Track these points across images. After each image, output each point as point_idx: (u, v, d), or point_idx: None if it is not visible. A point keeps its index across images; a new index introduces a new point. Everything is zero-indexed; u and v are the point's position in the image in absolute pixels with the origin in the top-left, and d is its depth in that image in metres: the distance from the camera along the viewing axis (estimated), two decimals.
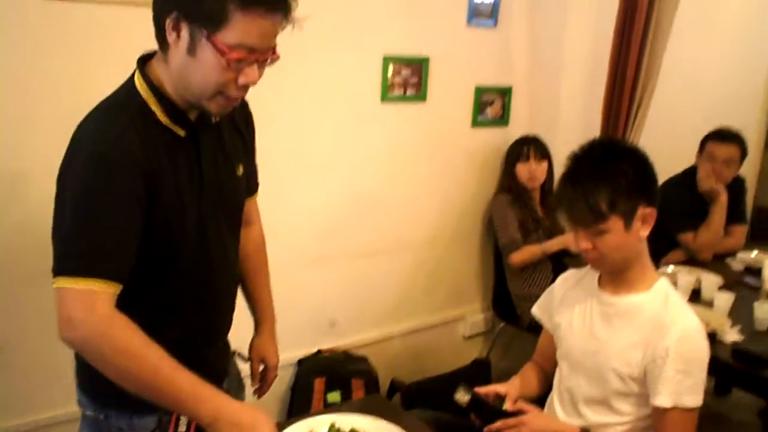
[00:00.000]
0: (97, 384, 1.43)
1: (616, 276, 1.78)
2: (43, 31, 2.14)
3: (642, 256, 1.77)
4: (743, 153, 3.36)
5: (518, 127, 3.50)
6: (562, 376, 1.91)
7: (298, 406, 2.92)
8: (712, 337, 2.35)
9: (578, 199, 1.68)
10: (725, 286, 2.81)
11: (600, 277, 1.85)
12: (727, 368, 2.29)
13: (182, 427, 1.38)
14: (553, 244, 3.22)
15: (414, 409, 2.42)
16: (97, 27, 2.22)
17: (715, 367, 2.24)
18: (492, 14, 3.22)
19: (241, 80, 1.32)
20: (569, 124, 3.68)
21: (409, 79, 3.01)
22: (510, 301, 3.38)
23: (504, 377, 1.97)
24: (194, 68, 1.31)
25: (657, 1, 3.11)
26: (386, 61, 2.92)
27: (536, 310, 2.05)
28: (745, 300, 2.70)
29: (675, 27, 3.21)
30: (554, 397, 1.93)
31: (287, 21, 1.32)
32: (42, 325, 2.12)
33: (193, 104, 1.39)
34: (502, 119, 3.45)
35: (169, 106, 1.39)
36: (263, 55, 1.32)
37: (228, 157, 1.56)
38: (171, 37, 1.30)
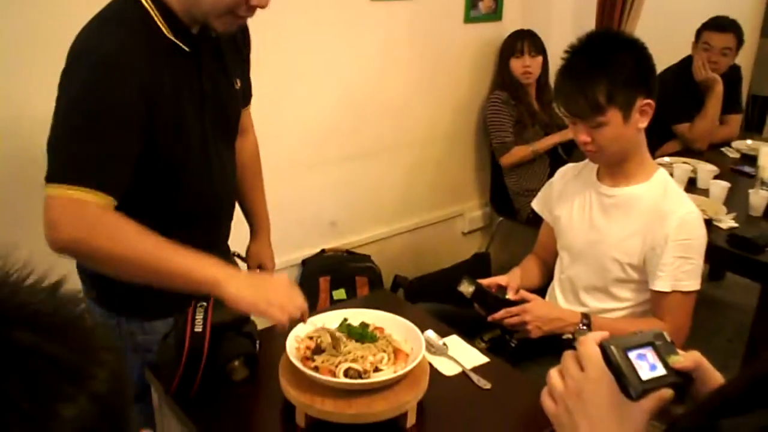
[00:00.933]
0: (104, 290, 1.46)
1: (614, 168, 1.80)
2: None
3: (640, 147, 1.77)
4: (739, 42, 3.32)
5: (512, 21, 3.43)
6: (563, 266, 1.95)
7: None
8: (708, 224, 2.38)
9: (576, 92, 1.68)
10: (720, 176, 2.84)
11: (598, 170, 1.86)
12: (724, 253, 2.34)
13: (199, 315, 1.38)
14: (543, 144, 3.22)
15: (418, 303, 2.47)
16: None
17: (711, 252, 2.29)
18: None
19: (254, 1, 1.33)
20: (564, 16, 3.63)
21: None
22: (507, 196, 3.41)
23: (504, 270, 2.01)
24: None
25: None
26: None
27: (536, 204, 2.08)
28: (741, 187, 2.75)
29: None
30: (555, 286, 1.98)
31: None
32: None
33: (198, 20, 1.38)
34: (495, 14, 3.37)
35: (173, 20, 1.37)
36: None
37: (227, 71, 1.56)
38: None
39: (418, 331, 1.47)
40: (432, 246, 3.54)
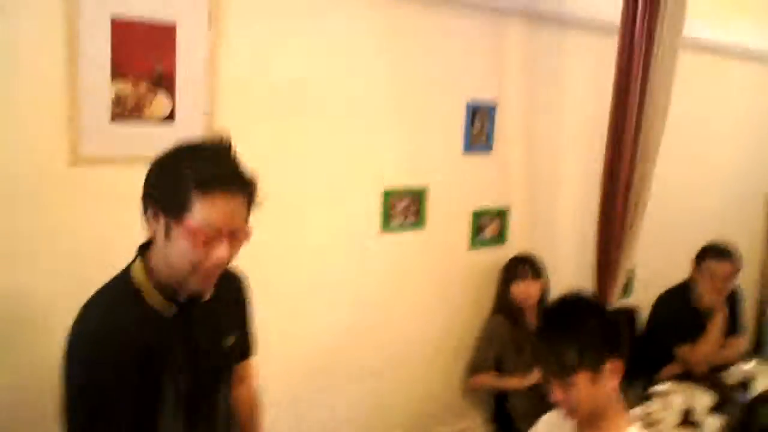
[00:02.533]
0: None
1: (589, 424, 1.89)
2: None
3: (614, 404, 1.86)
4: (739, 268, 3.47)
5: (516, 244, 3.64)
6: None
7: None
8: None
9: (548, 354, 1.80)
10: (719, 405, 2.89)
11: (578, 424, 1.95)
12: None
13: None
14: (508, 383, 3.33)
15: None
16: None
17: None
18: (487, 141, 3.40)
19: (213, 257, 1.47)
20: (567, 241, 3.83)
21: (409, 207, 3.17)
22: (510, 417, 3.44)
23: None
24: (171, 250, 1.47)
25: (646, 113, 3.23)
26: (386, 195, 3.09)
27: None
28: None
29: (668, 141, 3.36)
30: None
31: (253, 199, 1.50)
32: None
33: (180, 284, 1.53)
34: (500, 238, 3.59)
35: (161, 289, 1.54)
36: (231, 233, 1.48)
37: (217, 330, 1.70)
38: (152, 226, 1.49)
39: None
40: None
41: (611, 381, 1.80)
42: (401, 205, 3.15)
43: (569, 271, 3.84)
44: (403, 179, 3.15)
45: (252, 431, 1.99)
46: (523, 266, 3.42)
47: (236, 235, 1.49)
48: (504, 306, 3.44)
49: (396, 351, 3.33)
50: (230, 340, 1.74)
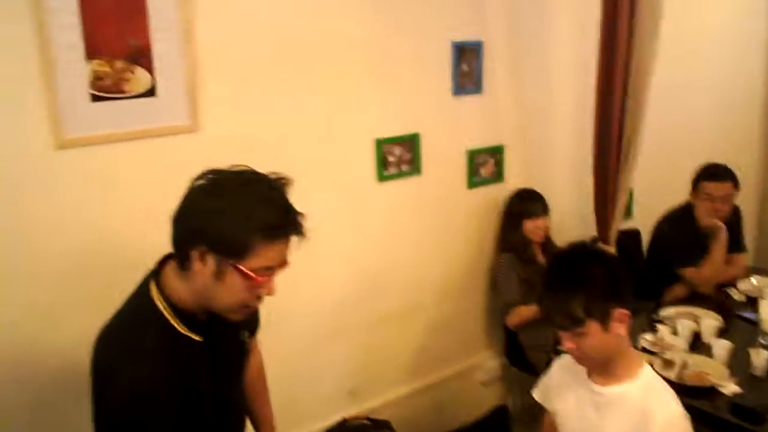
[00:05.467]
0: None
1: (602, 369, 1.91)
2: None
3: (624, 348, 1.89)
4: (736, 187, 3.46)
5: (514, 181, 3.63)
6: None
7: None
8: (712, 391, 2.47)
9: (556, 306, 1.82)
10: (725, 325, 2.93)
11: (588, 369, 1.97)
12: (727, 425, 2.37)
13: None
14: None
15: None
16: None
17: (714, 424, 2.36)
18: (476, 82, 3.34)
19: (263, 293, 1.52)
20: (563, 172, 3.81)
21: (402, 155, 3.15)
22: (522, 350, 3.49)
23: (523, 424, 2.07)
24: (220, 290, 1.47)
25: (636, 39, 3.17)
26: (379, 143, 3.06)
27: (536, 394, 2.18)
28: (746, 338, 2.82)
29: (661, 54, 3.28)
30: None
31: (301, 237, 1.51)
32: None
33: (219, 314, 1.55)
34: (497, 177, 3.57)
35: (184, 317, 1.54)
36: (281, 268, 1.51)
37: (235, 330, 1.72)
38: (197, 265, 1.46)
39: None
40: (451, 401, 3.62)
41: (620, 329, 1.82)
42: (395, 154, 3.12)
43: (568, 202, 3.84)
44: (395, 128, 3.12)
45: (262, 397, 2.07)
46: (536, 203, 3.42)
47: (281, 269, 1.53)
48: (513, 243, 3.45)
49: (401, 296, 3.35)
50: (245, 334, 1.79)
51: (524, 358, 3.50)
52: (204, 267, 1.46)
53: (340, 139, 2.97)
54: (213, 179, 1.49)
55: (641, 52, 3.21)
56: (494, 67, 3.42)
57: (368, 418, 3.26)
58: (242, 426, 1.90)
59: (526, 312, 3.33)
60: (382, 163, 3.09)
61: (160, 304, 1.52)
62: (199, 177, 1.51)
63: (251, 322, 1.84)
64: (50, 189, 2.27)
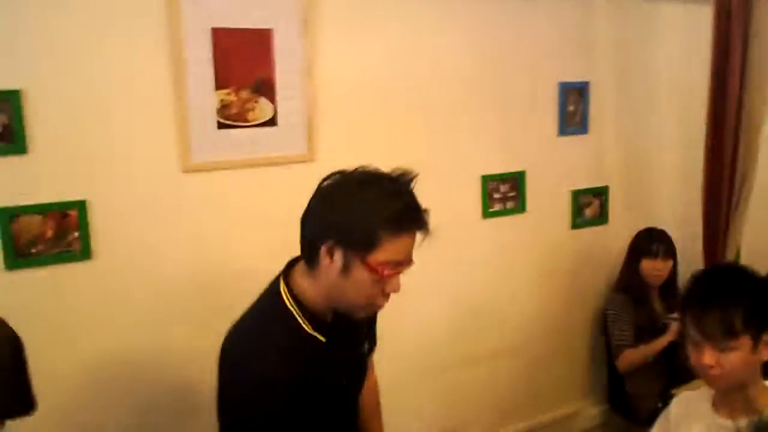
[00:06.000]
0: None
1: (731, 399, 1.83)
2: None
3: (758, 378, 1.80)
4: None
5: (618, 224, 3.58)
6: None
7: None
8: None
9: (711, 314, 1.73)
10: None
11: (714, 399, 1.89)
12: None
13: None
14: (656, 345, 3.15)
15: None
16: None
17: None
18: (582, 122, 3.35)
19: (389, 290, 1.53)
20: (670, 216, 3.73)
21: (507, 192, 3.17)
22: (625, 397, 3.39)
23: None
24: (347, 285, 1.50)
25: (749, 80, 3.09)
26: (485, 179, 3.09)
27: None
28: None
29: None
30: None
31: (425, 234, 1.52)
32: None
33: (340, 312, 1.58)
34: (601, 218, 3.53)
35: (311, 316, 1.57)
36: (407, 265, 1.53)
37: (358, 340, 1.75)
38: (325, 261, 1.49)
39: None
40: None
41: (765, 354, 1.75)
42: (500, 191, 3.14)
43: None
44: (501, 165, 3.15)
45: (376, 420, 2.05)
46: (657, 244, 3.29)
47: (407, 267, 1.55)
48: (629, 283, 3.35)
49: (502, 335, 3.33)
50: (365, 347, 1.81)
51: (629, 407, 3.39)
52: (332, 263, 1.48)
53: (448, 174, 3.01)
54: (340, 178, 1.55)
55: (753, 96, 3.13)
56: (600, 107, 3.42)
57: None
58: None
59: (633, 354, 3.21)
60: (488, 199, 3.11)
61: (289, 303, 1.56)
62: (327, 177, 1.56)
63: (372, 337, 1.87)
64: (176, 211, 2.41)
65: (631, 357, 3.23)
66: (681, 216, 3.72)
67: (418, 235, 1.54)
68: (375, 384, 2.08)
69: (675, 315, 3.06)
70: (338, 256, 1.48)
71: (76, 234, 2.25)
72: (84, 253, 2.26)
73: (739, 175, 3.24)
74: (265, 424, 1.50)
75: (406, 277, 2.83)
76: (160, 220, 2.38)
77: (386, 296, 1.55)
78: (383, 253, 1.46)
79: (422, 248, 2.89)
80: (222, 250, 2.49)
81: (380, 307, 1.59)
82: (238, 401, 1.53)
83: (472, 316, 3.21)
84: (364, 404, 1.97)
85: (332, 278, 1.50)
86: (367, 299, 1.53)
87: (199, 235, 2.45)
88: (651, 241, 3.31)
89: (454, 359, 3.20)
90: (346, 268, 1.48)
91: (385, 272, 1.48)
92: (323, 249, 1.48)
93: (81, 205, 2.24)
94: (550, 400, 3.57)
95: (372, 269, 1.47)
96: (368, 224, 1.45)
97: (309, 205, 1.55)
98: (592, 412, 3.69)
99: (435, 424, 3.21)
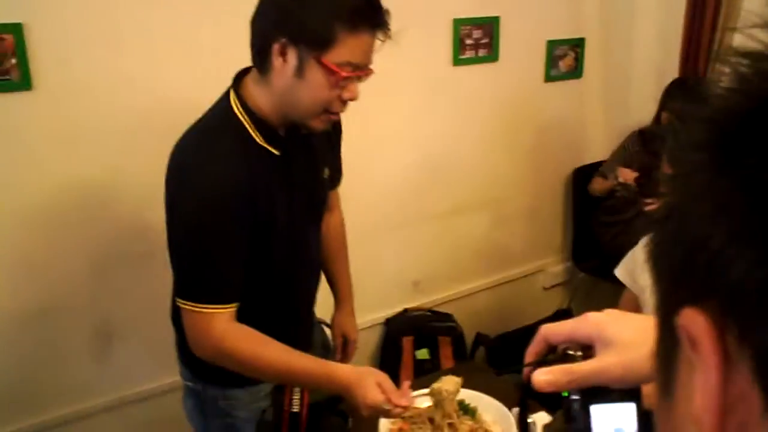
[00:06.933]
0: (192, 359, 1.55)
1: None
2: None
3: None
4: None
5: (592, 79, 3.46)
6: None
7: (388, 363, 3.03)
8: None
9: None
10: None
11: None
12: None
13: (296, 396, 1.46)
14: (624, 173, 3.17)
15: (503, 374, 2.46)
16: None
17: None
18: None
19: (346, 96, 1.41)
20: (645, 72, 3.61)
21: (480, 39, 3.00)
22: (591, 253, 3.38)
23: None
24: (301, 89, 1.38)
25: None
26: (456, 23, 2.91)
27: (619, 272, 2.09)
28: None
29: None
30: None
31: (386, 36, 1.39)
32: (144, 303, 2.30)
33: (294, 122, 1.47)
34: (576, 72, 3.40)
35: (264, 127, 1.46)
36: (365, 70, 1.41)
37: (315, 163, 1.64)
38: (277, 61, 1.37)
39: (508, 412, 1.50)
40: (513, 302, 3.56)
41: None
42: (473, 37, 2.98)
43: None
44: (475, 8, 2.97)
45: (341, 255, 2.01)
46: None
47: (366, 73, 1.44)
48: (648, 128, 3.27)
49: (468, 188, 3.25)
50: (326, 172, 1.71)
51: (592, 260, 3.39)
52: (285, 64, 1.37)
53: (416, 15, 2.79)
54: None
55: None
56: None
57: (430, 311, 3.23)
58: (316, 282, 1.83)
59: (598, 184, 3.32)
60: (459, 45, 2.95)
61: (239, 113, 1.45)
62: None
63: (337, 167, 1.77)
64: (125, 36, 2.22)
65: (597, 184, 3.35)
66: (657, 70, 3.61)
67: (379, 41, 1.41)
68: (341, 223, 2.01)
69: None
70: (292, 55, 1.36)
71: (14, 61, 2.06)
72: (24, 82, 2.08)
73: (720, 29, 3.17)
74: (209, 244, 1.42)
75: (372, 124, 2.74)
76: (108, 46, 2.18)
77: (343, 103, 1.44)
78: (340, 52, 1.35)
79: (389, 94, 2.81)
80: (183, 77, 2.32)
81: (336, 116, 1.49)
82: (180, 222, 1.44)
83: (438, 169, 3.11)
84: (329, 241, 1.91)
85: (286, 81, 1.39)
86: (323, 104, 1.42)
87: (155, 61, 2.27)
88: (676, 99, 3.08)
89: (423, 212, 3.14)
90: (300, 69, 1.37)
91: (343, 74, 1.36)
92: (275, 47, 1.36)
93: (16, 28, 2.03)
94: (517, 258, 3.56)
95: (328, 70, 1.36)
96: (324, 18, 1.33)
97: (260, 2, 1.40)
98: (557, 269, 3.70)
99: (406, 276, 3.19)
